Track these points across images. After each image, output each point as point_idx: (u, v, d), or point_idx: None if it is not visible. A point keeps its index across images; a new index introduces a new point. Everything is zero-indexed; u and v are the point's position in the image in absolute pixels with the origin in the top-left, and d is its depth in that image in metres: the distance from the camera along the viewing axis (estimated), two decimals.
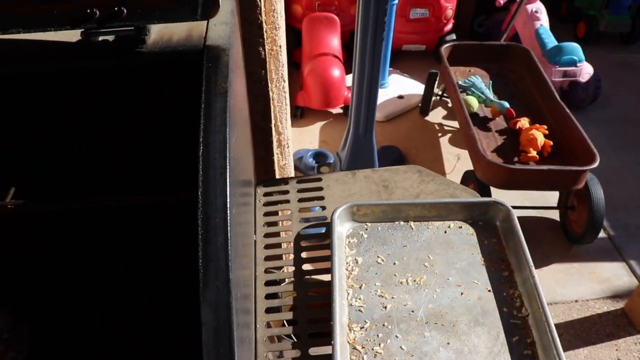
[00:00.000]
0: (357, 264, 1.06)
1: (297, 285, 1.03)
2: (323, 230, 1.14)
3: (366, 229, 1.12)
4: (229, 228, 0.65)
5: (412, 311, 0.98)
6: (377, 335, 0.95)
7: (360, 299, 1.00)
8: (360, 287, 1.02)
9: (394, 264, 1.06)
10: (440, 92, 3.29)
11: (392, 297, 1.00)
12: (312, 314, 1.01)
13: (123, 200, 0.90)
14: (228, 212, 0.65)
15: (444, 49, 3.03)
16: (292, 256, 1.08)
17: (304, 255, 1.08)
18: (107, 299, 0.96)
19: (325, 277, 1.05)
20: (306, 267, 1.07)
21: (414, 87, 3.50)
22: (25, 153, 0.96)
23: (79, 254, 0.96)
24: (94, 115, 0.93)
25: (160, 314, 0.96)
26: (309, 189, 1.22)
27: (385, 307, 0.99)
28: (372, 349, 0.93)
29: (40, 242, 0.95)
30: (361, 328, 0.96)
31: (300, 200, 1.19)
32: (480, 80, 2.88)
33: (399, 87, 3.48)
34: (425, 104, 3.33)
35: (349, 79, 3.38)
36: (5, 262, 0.96)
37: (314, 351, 0.94)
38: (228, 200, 0.66)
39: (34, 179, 0.96)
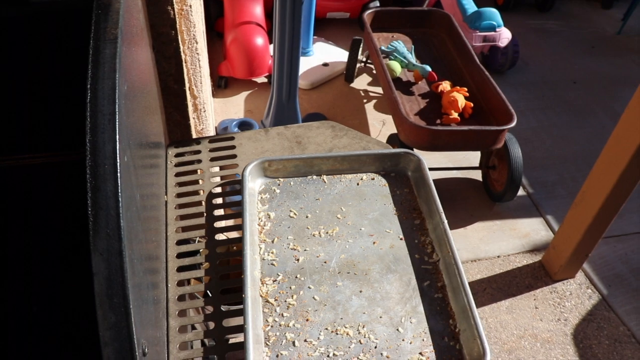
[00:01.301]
0: (269, 219, 1.05)
1: (209, 243, 1.01)
2: (237, 187, 1.12)
3: (278, 185, 1.11)
4: (119, 174, 0.62)
5: (325, 262, 0.99)
6: (290, 288, 0.95)
7: (272, 252, 0.99)
8: (272, 242, 1.01)
9: (307, 217, 1.06)
10: (364, 59, 3.30)
11: (305, 250, 1.00)
12: (224, 270, 0.99)
13: (11, 160, 0.85)
14: (117, 159, 0.62)
15: (367, 15, 3.03)
16: (204, 215, 1.06)
17: (216, 213, 1.06)
18: None
19: (238, 234, 1.03)
20: (219, 224, 1.05)
21: (338, 55, 3.49)
22: None
23: None
24: None
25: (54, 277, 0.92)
26: (221, 148, 1.19)
27: (298, 260, 0.99)
28: (285, 301, 0.93)
29: None
30: (274, 281, 0.95)
31: (213, 159, 1.17)
32: (402, 45, 2.90)
33: (323, 55, 3.46)
34: (349, 71, 3.33)
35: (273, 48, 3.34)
36: None
37: (226, 308, 0.93)
38: (117, 146, 0.63)
39: None
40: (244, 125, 2.79)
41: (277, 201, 1.08)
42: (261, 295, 0.93)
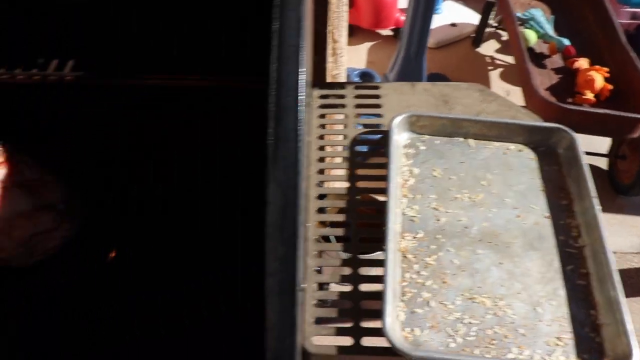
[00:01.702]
0: (412, 174, 1.02)
1: (349, 189, 1.01)
2: (378, 137, 1.10)
3: (423, 141, 1.08)
4: (300, 108, 0.61)
5: (466, 227, 0.95)
6: (429, 247, 0.93)
7: (414, 208, 0.97)
8: (414, 198, 0.99)
9: (450, 179, 1.02)
10: (495, 24, 3.15)
11: (447, 212, 0.97)
12: (363, 217, 0.99)
13: (179, 80, 0.86)
14: (300, 91, 0.62)
15: None
16: (346, 161, 1.05)
17: (358, 160, 1.05)
18: (163, 176, 0.95)
19: (378, 184, 1.02)
20: (360, 172, 1.04)
21: (468, 16, 3.35)
22: (86, 27, 0.93)
23: (133, 131, 0.94)
24: None
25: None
26: (366, 96, 1.17)
27: (439, 220, 0.96)
28: (423, 260, 0.91)
29: (96, 115, 0.94)
30: (413, 237, 0.94)
31: (357, 105, 1.15)
32: (541, 13, 2.73)
33: (452, 15, 3.34)
34: (478, 35, 3.19)
35: (402, 1, 3.25)
36: (61, 132, 0.95)
37: (363, 256, 0.93)
38: (300, 79, 0.62)
39: (94, 54, 0.93)
40: (365, 76, 2.76)
41: (421, 158, 1.05)
42: (399, 250, 0.92)
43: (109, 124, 0.95)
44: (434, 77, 2.90)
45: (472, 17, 3.34)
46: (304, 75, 0.62)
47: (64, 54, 0.92)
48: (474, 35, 3.23)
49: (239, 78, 0.85)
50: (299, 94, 0.61)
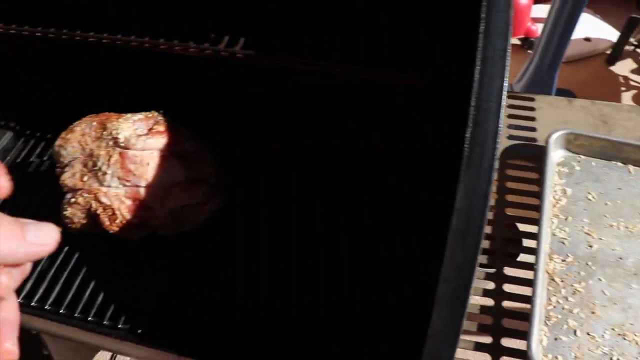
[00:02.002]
0: (565, 194, 0.98)
1: (497, 201, 0.98)
2: (529, 151, 1.06)
3: (579, 161, 1.03)
4: (501, 115, 0.59)
5: (620, 258, 0.90)
6: (579, 273, 0.88)
7: (564, 230, 0.93)
8: (565, 219, 0.95)
9: (606, 204, 0.97)
10: (636, 42, 2.97)
11: (600, 239, 0.92)
12: (508, 233, 0.95)
13: (351, 71, 0.86)
14: (503, 97, 0.60)
15: None
16: (496, 171, 1.02)
17: (509, 173, 1.02)
18: (313, 165, 0.96)
19: (528, 199, 0.98)
20: (509, 185, 1.00)
21: (604, 31, 3.17)
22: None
23: (289, 116, 0.96)
24: None
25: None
26: (520, 107, 1.13)
27: (591, 246, 0.91)
28: (572, 285, 0.87)
29: (257, 95, 0.96)
30: (562, 260, 0.90)
31: (509, 116, 1.11)
32: None
33: (587, 29, 3.17)
34: (615, 52, 3.02)
35: (535, 9, 3.13)
36: (220, 108, 0.97)
37: (507, 271, 0.90)
38: (505, 85, 0.60)
39: (264, 34, 0.94)
40: None
41: (575, 178, 1.00)
42: (547, 271, 0.88)
43: (269, 106, 0.96)
44: (560, 92, 2.77)
45: (608, 33, 3.16)
46: (507, 80, 0.60)
47: (235, 31, 0.94)
48: (608, 52, 3.06)
49: (390, 73, 0.84)
50: (502, 100, 0.59)
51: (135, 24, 0.95)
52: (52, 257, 0.95)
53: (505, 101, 0.59)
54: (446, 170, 0.66)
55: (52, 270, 0.93)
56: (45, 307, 0.88)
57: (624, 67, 3.07)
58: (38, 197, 1.05)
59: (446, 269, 0.59)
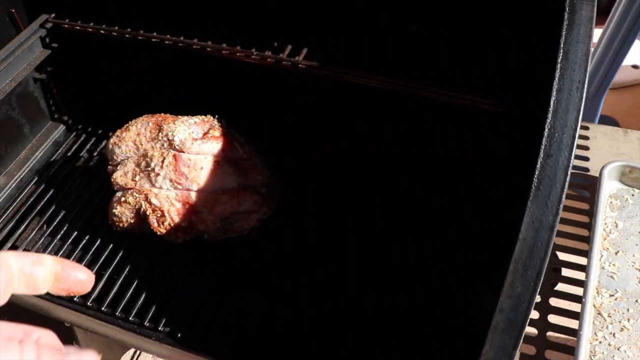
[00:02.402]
0: (616, 227, 0.96)
1: None
2: (581, 180, 1.05)
3: (632, 195, 1.01)
4: (574, 148, 0.58)
5: None
6: (627, 310, 0.86)
7: (614, 265, 0.91)
8: (616, 253, 0.93)
9: None
10: None
11: None
12: (553, 262, 0.94)
13: (409, 87, 0.85)
14: (577, 130, 0.59)
15: None
16: None
17: None
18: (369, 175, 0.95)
19: (577, 230, 0.97)
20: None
21: None
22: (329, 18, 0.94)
23: (352, 127, 0.95)
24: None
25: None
26: None
27: None
28: (619, 322, 0.85)
29: (315, 107, 0.96)
30: (610, 295, 0.88)
31: None
32: None
33: (635, 55, 3.12)
34: None
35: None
36: (275, 116, 0.98)
37: (552, 301, 0.89)
38: (579, 117, 0.59)
39: (328, 46, 0.93)
40: None
41: (628, 212, 0.98)
42: (594, 305, 0.86)
43: (325, 118, 0.97)
44: (603, 120, 2.73)
45: None
46: (581, 113, 0.59)
47: (299, 41, 0.93)
48: None
49: (469, 96, 0.83)
50: (576, 133, 0.58)
51: (198, 28, 0.95)
52: (96, 253, 0.96)
53: (577, 135, 0.59)
54: (510, 197, 0.65)
55: (96, 267, 0.94)
56: (88, 304, 0.89)
57: None
58: (86, 192, 1.06)
59: (504, 299, 0.58)
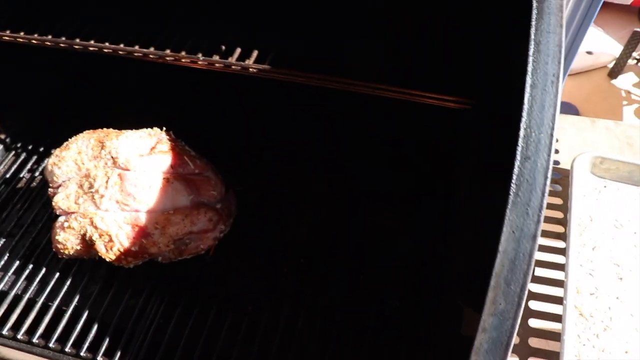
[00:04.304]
0: (591, 221, 0.92)
1: None
2: (552, 174, 1.01)
3: (605, 187, 0.97)
4: (552, 148, 0.54)
5: None
6: (608, 308, 0.83)
7: (592, 261, 0.88)
8: (592, 249, 0.89)
9: (635, 233, 0.91)
10: (638, 56, 2.93)
11: (630, 270, 0.87)
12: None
13: (378, 89, 0.79)
14: (555, 129, 0.54)
15: None
16: None
17: None
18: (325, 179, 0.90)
19: (552, 227, 0.93)
20: None
21: (606, 45, 3.14)
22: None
23: (303, 131, 0.89)
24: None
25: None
26: None
27: (621, 279, 0.86)
28: (602, 321, 0.81)
29: (269, 111, 0.89)
30: (591, 294, 0.84)
31: None
32: None
33: (589, 42, 3.14)
34: (617, 66, 2.98)
35: None
36: (227, 123, 0.91)
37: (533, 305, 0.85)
38: (557, 114, 0.55)
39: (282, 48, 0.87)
40: None
41: (602, 204, 0.95)
42: (575, 306, 0.82)
43: (281, 121, 0.90)
44: (563, 106, 2.73)
45: (610, 46, 3.13)
46: (558, 109, 0.55)
47: (249, 45, 0.86)
48: (610, 65, 3.02)
49: (436, 95, 0.77)
50: (554, 131, 0.53)
51: (139, 34, 0.88)
52: (42, 283, 0.88)
53: (554, 136, 0.54)
54: (488, 205, 0.60)
55: (42, 298, 0.86)
56: (34, 341, 0.81)
57: (626, 81, 3.03)
58: (29, 216, 0.98)
59: (486, 317, 0.53)
